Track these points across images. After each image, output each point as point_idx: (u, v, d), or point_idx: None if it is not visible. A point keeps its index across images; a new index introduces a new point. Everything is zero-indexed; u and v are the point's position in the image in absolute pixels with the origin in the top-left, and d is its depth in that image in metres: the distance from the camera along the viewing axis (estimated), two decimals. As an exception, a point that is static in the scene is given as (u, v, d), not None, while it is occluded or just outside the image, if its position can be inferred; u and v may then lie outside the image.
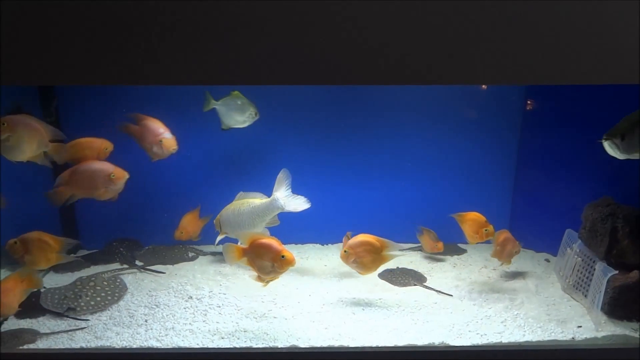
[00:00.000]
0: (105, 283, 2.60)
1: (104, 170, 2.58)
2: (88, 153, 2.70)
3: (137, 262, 3.09)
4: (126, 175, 2.61)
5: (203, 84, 1.69)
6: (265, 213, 2.68)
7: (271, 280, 2.33)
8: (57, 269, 2.91)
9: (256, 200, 2.77)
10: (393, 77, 1.68)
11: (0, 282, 2.21)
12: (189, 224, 3.16)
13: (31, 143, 2.31)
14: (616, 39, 1.63)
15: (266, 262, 2.26)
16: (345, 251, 2.57)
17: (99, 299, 2.47)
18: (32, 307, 2.46)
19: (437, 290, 2.74)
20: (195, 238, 3.20)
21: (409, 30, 1.63)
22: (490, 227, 2.73)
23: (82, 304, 2.41)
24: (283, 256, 2.22)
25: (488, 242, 2.84)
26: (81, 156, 2.67)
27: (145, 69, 1.65)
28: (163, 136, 2.70)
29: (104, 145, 2.73)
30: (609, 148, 2.23)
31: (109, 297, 2.51)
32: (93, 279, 2.60)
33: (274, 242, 2.27)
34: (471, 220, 2.79)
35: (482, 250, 3.27)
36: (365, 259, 2.55)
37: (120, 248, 3.18)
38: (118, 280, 2.67)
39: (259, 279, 2.32)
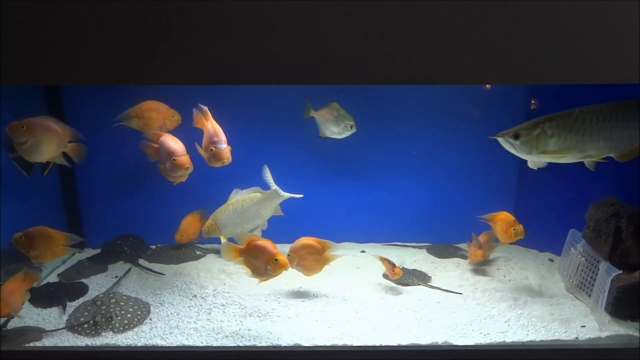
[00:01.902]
0: (125, 297, 2.51)
1: (171, 149, 2.59)
2: (154, 115, 2.77)
3: (141, 262, 3.10)
4: (186, 166, 2.57)
5: (205, 83, 1.70)
6: (271, 205, 2.88)
7: (266, 280, 2.37)
8: (64, 275, 2.92)
9: (257, 194, 2.91)
10: (397, 76, 1.69)
11: (4, 285, 2.23)
12: (189, 226, 3.18)
13: (50, 144, 2.33)
14: (617, 38, 1.63)
15: (260, 264, 2.29)
16: (289, 255, 2.61)
17: (129, 316, 2.38)
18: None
19: (444, 289, 2.74)
20: (195, 240, 3.22)
21: (412, 30, 1.63)
22: (519, 227, 2.73)
23: (117, 324, 2.32)
24: (276, 259, 2.26)
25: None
26: (147, 117, 2.75)
27: (147, 68, 1.66)
28: (215, 145, 2.54)
29: (171, 112, 2.79)
30: (504, 145, 2.26)
31: (139, 313, 2.42)
32: (111, 295, 2.50)
33: (268, 244, 2.32)
34: (501, 220, 2.80)
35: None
36: (308, 261, 2.60)
37: (125, 247, 3.19)
38: (132, 300, 2.54)
39: (254, 276, 2.38)
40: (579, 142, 2.18)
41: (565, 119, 2.17)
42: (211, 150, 2.53)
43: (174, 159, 2.55)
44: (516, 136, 2.21)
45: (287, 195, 2.86)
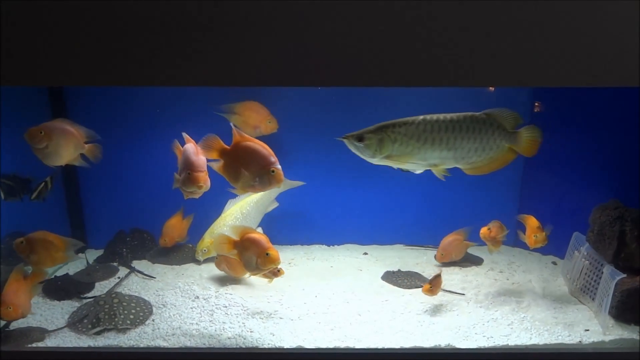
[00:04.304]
0: (127, 297, 2.51)
1: (189, 161, 2.25)
2: (253, 115, 2.85)
3: (138, 263, 3.11)
4: (200, 184, 2.22)
5: (206, 85, 1.70)
6: (268, 200, 3.03)
7: (258, 274, 2.39)
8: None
9: (254, 195, 3.01)
10: (400, 79, 1.69)
11: (6, 286, 2.21)
12: (172, 229, 3.13)
13: (68, 148, 2.33)
14: (617, 42, 1.63)
15: (251, 257, 2.29)
16: (216, 257, 2.71)
17: (132, 316, 2.37)
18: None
19: (448, 291, 2.74)
20: (182, 241, 3.21)
21: (414, 33, 1.63)
22: (541, 235, 2.72)
23: (120, 322, 2.31)
24: (268, 253, 2.26)
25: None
26: (245, 115, 2.83)
27: (148, 70, 1.66)
28: (275, 166, 2.10)
29: (269, 118, 2.86)
30: (350, 147, 2.25)
31: (141, 314, 2.41)
32: (114, 295, 2.50)
33: (263, 238, 2.31)
34: (527, 225, 2.80)
35: (488, 253, 3.25)
36: (233, 262, 2.68)
37: (124, 248, 3.19)
38: (134, 299, 2.53)
39: (246, 269, 2.42)
40: (420, 149, 2.19)
41: (407, 126, 2.19)
42: (272, 171, 2.11)
43: (189, 173, 2.22)
44: (360, 139, 2.20)
45: (288, 183, 2.91)
